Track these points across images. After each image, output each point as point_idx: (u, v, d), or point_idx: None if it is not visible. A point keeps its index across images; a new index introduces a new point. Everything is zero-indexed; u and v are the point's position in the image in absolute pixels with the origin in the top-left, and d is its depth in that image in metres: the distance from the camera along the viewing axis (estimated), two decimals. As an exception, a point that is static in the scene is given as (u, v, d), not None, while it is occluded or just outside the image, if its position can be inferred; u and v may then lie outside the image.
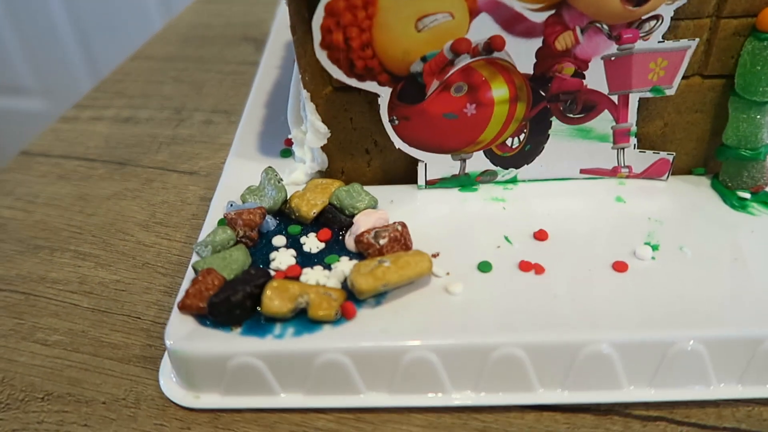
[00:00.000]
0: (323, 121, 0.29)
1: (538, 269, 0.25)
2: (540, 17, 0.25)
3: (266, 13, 0.53)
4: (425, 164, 0.29)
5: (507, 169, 0.30)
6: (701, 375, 0.22)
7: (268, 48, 0.45)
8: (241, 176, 0.30)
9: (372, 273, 0.23)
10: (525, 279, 0.24)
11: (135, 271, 0.28)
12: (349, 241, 0.26)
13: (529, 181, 0.30)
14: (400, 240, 0.25)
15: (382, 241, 0.25)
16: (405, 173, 0.30)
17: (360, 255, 0.26)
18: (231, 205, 0.28)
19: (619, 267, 0.25)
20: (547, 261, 0.25)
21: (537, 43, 0.26)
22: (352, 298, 0.23)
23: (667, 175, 0.30)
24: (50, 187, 0.34)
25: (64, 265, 0.29)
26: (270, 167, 0.29)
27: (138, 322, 0.26)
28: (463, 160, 0.29)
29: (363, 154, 0.30)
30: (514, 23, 0.26)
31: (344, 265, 0.25)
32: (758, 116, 0.27)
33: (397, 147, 0.28)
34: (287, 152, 0.32)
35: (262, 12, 0.54)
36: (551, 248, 0.26)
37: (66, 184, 0.34)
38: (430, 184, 0.30)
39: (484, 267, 0.25)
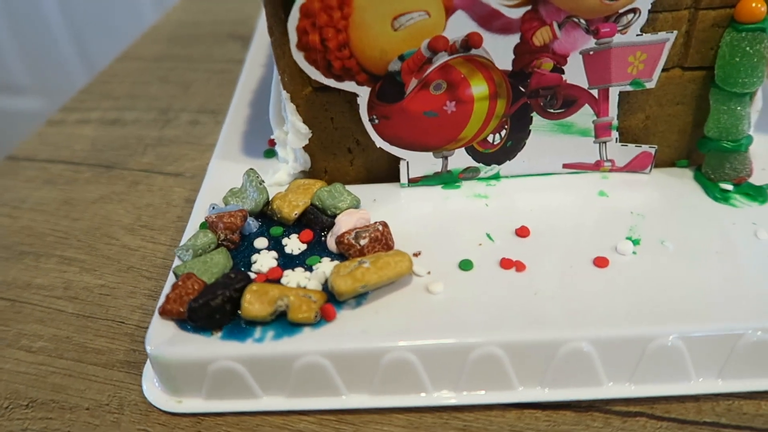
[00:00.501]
0: (304, 122, 0.29)
1: (519, 266, 0.25)
2: (517, 13, 0.25)
3: (253, 9, 0.53)
4: (407, 162, 0.29)
5: (489, 165, 0.30)
6: (681, 370, 0.22)
7: (254, 45, 0.45)
8: (224, 178, 0.30)
9: (351, 274, 0.23)
10: (506, 276, 0.24)
11: (120, 276, 0.29)
12: (331, 242, 0.26)
13: (512, 176, 0.30)
14: (381, 240, 0.25)
15: (362, 242, 0.25)
16: (388, 171, 0.30)
17: (342, 256, 0.26)
18: (213, 208, 0.28)
19: (600, 263, 0.25)
20: (529, 258, 0.25)
21: (515, 39, 0.26)
22: (332, 299, 0.23)
23: (649, 168, 0.29)
24: (36, 192, 0.34)
25: (49, 271, 0.29)
26: (251, 169, 0.29)
27: (122, 327, 0.26)
28: (445, 158, 0.29)
29: (345, 153, 0.30)
30: (490, 20, 0.25)
31: (325, 266, 0.25)
32: (739, 107, 0.27)
33: (378, 146, 0.28)
34: (271, 152, 0.32)
35: (249, 8, 0.53)
36: (533, 245, 0.26)
37: (52, 189, 0.35)
38: (413, 182, 0.30)
39: (466, 265, 0.25)
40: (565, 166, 0.30)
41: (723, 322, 0.22)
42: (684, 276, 0.24)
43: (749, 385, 0.22)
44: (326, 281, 0.24)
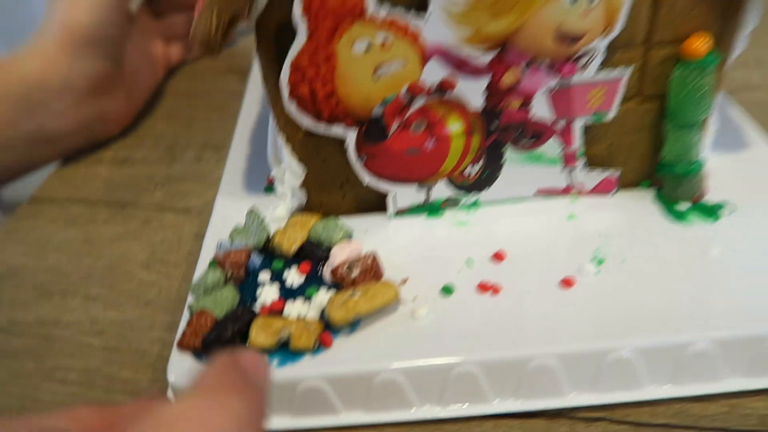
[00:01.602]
0: (299, 162, 0.32)
1: (495, 290, 0.28)
2: (485, 58, 0.28)
3: (249, 42, 0.55)
4: (394, 195, 0.32)
5: (468, 194, 0.32)
6: (636, 379, 0.25)
7: (252, 78, 0.48)
8: (229, 215, 0.33)
9: (344, 305, 0.26)
10: (482, 300, 0.27)
11: (139, 310, 0.32)
12: (327, 273, 0.29)
13: (490, 203, 0.33)
14: (371, 271, 0.28)
15: (354, 274, 0.28)
16: (377, 203, 0.33)
17: (337, 285, 0.29)
18: (220, 246, 0.31)
19: (567, 283, 0.28)
20: (504, 281, 0.28)
21: (485, 81, 0.29)
22: (329, 328, 0.26)
23: (614, 190, 0.32)
24: (59, 233, 0.38)
25: (75, 308, 0.32)
26: (252, 210, 0.32)
27: (144, 359, 0.29)
28: (428, 189, 0.32)
29: (338, 189, 0.33)
30: (462, 66, 0.28)
31: (323, 296, 0.28)
32: (689, 136, 0.29)
33: (366, 182, 0.31)
34: (271, 188, 0.35)
35: (245, 42, 0.56)
36: (508, 268, 0.29)
37: (72, 229, 0.38)
38: (400, 212, 0.33)
39: (447, 290, 0.28)
40: (538, 191, 0.32)
41: (672, 333, 0.24)
42: (640, 292, 0.26)
43: (696, 389, 0.25)
44: (323, 311, 0.27)
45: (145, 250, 0.35)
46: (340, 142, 0.30)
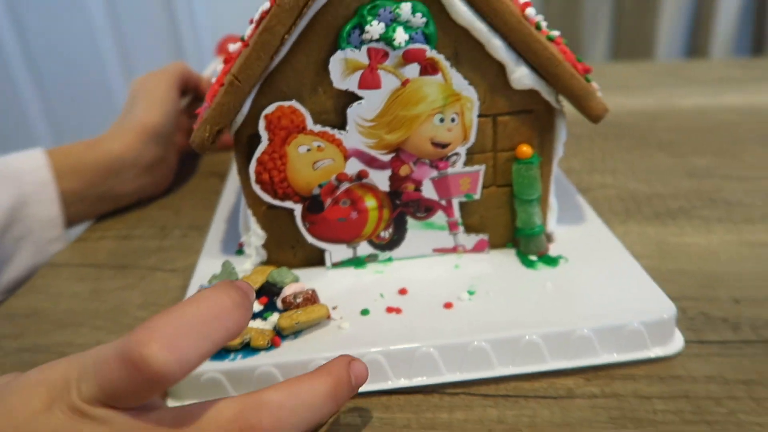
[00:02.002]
0: (262, 228, 0.44)
1: (398, 311, 0.40)
2: (387, 158, 0.42)
3: (227, 156, 0.71)
4: (330, 252, 0.45)
5: (384, 252, 0.45)
6: (487, 362, 0.36)
7: (230, 179, 0.62)
8: (208, 269, 0.45)
9: (289, 317, 0.38)
10: (389, 317, 0.39)
11: None
12: (279, 303, 0.41)
13: (400, 259, 0.45)
14: (311, 299, 0.40)
15: (298, 300, 0.40)
16: (319, 258, 0.45)
17: (285, 309, 0.40)
18: (201, 287, 0.42)
19: (448, 306, 0.40)
20: (405, 306, 0.40)
21: (388, 172, 0.43)
22: (279, 334, 0.38)
23: (487, 249, 0.45)
24: (72, 286, 0.49)
25: (85, 334, 0.43)
26: (226, 262, 0.44)
27: None
28: (355, 248, 0.45)
29: (290, 248, 0.45)
30: (372, 162, 0.42)
31: (274, 317, 0.39)
32: (530, 209, 0.43)
33: (309, 242, 0.44)
34: (240, 251, 0.47)
35: (225, 156, 0.71)
36: (409, 298, 0.41)
37: (83, 284, 0.49)
38: (335, 264, 0.45)
39: (365, 312, 0.40)
40: (434, 250, 0.46)
41: (514, 331, 0.36)
42: (496, 309, 0.39)
43: (527, 369, 0.36)
44: (275, 325, 0.38)
45: (141, 297, 0.46)
46: (291, 214, 0.43)
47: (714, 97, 0.83)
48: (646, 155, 0.66)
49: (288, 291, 0.41)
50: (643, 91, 0.88)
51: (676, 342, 0.38)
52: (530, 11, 0.39)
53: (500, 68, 0.40)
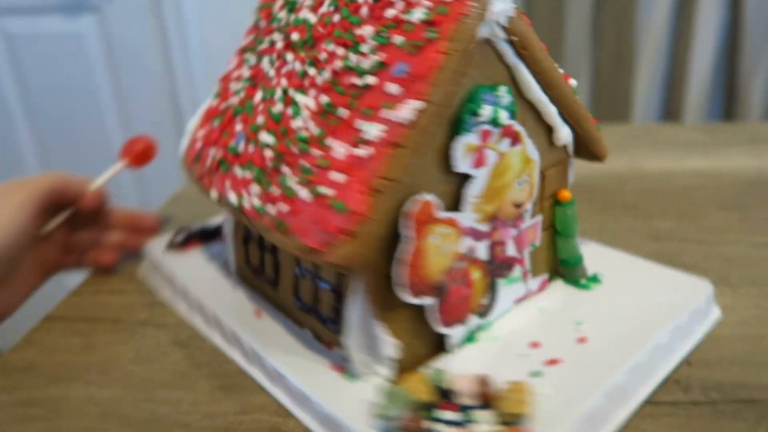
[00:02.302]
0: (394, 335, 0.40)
1: (559, 361, 0.43)
2: (487, 228, 0.44)
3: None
4: (451, 335, 0.44)
5: (483, 318, 0.47)
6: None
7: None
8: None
9: (514, 404, 0.37)
10: (562, 368, 0.42)
11: (128, 389, 0.44)
12: (465, 399, 0.39)
13: (493, 320, 0.48)
14: (488, 382, 0.40)
15: (492, 388, 0.39)
16: (430, 347, 0.44)
17: (485, 406, 0.39)
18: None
19: (581, 340, 0.45)
20: (555, 355, 0.43)
21: (488, 241, 0.45)
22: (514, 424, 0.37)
23: (547, 287, 0.51)
24: (66, 340, 0.51)
25: (78, 388, 0.45)
26: (393, 386, 0.39)
27: (130, 421, 0.42)
28: (467, 324, 0.45)
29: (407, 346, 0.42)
30: (478, 235, 0.44)
31: (483, 416, 0.38)
32: (570, 244, 0.51)
33: (438, 332, 0.42)
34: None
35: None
36: (542, 351, 0.44)
37: (77, 338, 0.51)
38: (454, 346, 0.44)
39: (535, 374, 0.41)
40: (515, 301, 0.49)
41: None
42: (618, 328, 0.46)
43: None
44: (500, 421, 0.37)
45: (132, 350, 0.49)
46: (409, 310, 0.41)
47: (680, 161, 0.84)
48: (613, 218, 0.69)
49: (464, 384, 0.39)
50: (616, 154, 0.86)
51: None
52: (572, 82, 0.47)
53: (549, 129, 0.47)
